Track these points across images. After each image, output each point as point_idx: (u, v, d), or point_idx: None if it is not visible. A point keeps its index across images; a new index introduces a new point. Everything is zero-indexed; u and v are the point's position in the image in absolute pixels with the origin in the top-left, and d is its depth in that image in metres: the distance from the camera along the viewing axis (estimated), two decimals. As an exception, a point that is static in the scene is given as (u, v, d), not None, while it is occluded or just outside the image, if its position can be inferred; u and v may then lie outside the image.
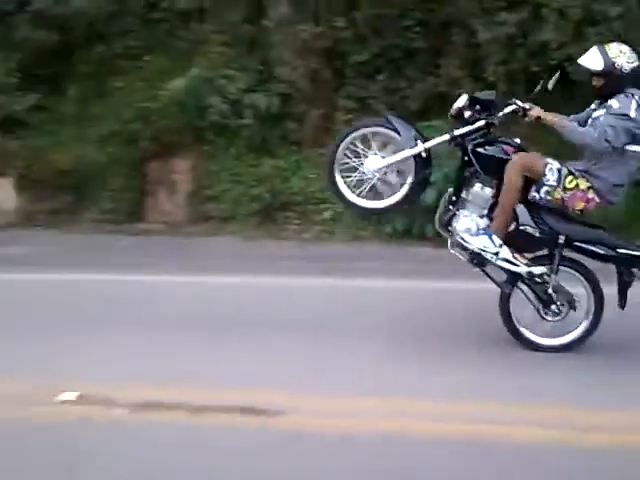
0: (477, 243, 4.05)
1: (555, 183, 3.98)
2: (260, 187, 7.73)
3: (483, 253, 4.04)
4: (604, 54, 3.90)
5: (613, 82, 3.90)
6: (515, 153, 4.08)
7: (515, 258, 4.05)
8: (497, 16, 7.00)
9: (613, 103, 3.89)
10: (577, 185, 3.98)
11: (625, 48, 3.96)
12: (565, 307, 4.13)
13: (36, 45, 8.35)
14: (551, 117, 4.03)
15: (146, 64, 8.49)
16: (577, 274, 4.15)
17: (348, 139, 4.22)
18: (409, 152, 4.09)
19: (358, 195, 4.27)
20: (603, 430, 3.18)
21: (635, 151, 3.92)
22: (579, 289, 4.14)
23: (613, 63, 3.87)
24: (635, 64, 3.91)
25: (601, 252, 3.99)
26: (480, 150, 4.08)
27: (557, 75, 4.21)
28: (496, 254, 4.04)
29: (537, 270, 4.06)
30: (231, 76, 7.91)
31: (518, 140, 4.19)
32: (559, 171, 4.01)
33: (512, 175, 3.98)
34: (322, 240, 7.41)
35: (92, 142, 8.18)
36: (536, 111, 4.02)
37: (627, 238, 4.17)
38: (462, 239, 4.09)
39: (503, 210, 4.03)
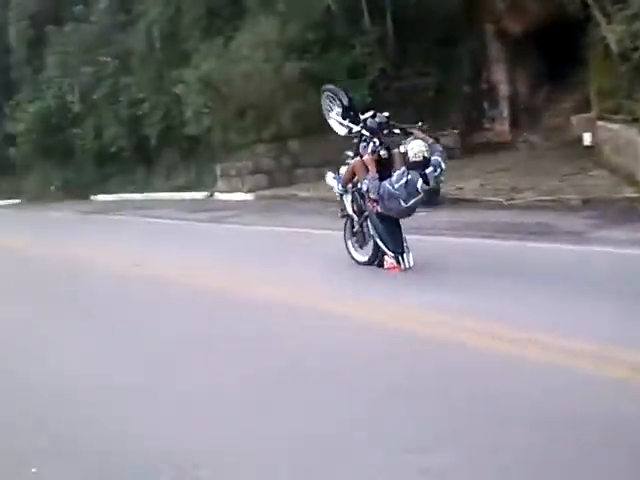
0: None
1: (365, 189, 6.99)
2: None
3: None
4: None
5: None
6: (355, 158, 7.38)
7: (347, 206, 7.59)
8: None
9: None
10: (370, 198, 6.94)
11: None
12: (365, 239, 7.33)
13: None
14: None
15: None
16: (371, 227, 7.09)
17: None
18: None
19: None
20: None
21: None
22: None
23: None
24: None
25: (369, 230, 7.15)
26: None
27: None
28: (340, 195, 7.72)
29: (354, 216, 7.45)
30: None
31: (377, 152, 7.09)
32: (367, 186, 6.91)
33: (348, 167, 7.49)
34: None
35: None
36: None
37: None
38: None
39: (344, 177, 7.55)
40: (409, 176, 6.62)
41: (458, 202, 11.49)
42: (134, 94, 21.72)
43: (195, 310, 6.35)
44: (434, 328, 4.86)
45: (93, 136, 23.60)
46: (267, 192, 16.44)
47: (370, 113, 7.47)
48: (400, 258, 6.76)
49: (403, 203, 6.67)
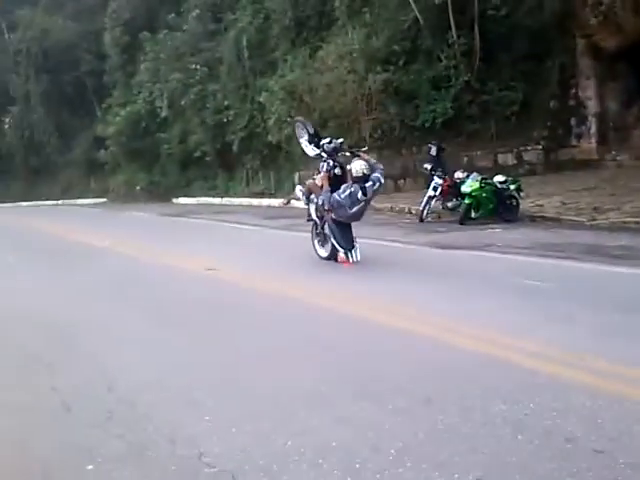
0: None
1: (320, 202, 8.74)
2: None
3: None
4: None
5: None
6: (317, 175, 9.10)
7: (312, 213, 9.22)
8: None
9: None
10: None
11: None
12: (326, 239, 8.87)
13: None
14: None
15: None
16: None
17: None
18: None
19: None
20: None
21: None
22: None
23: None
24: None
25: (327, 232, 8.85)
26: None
27: None
28: (307, 204, 9.37)
29: (317, 221, 9.06)
30: None
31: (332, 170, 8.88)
32: (321, 200, 8.65)
33: (309, 183, 9.31)
34: None
35: None
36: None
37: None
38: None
39: (306, 191, 9.33)
40: (352, 188, 8.43)
41: (537, 220, 11.14)
42: (220, 101, 22.23)
43: (277, 319, 6.37)
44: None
45: (178, 141, 24.30)
46: (343, 202, 16.42)
47: (327, 139, 9.27)
48: (349, 254, 8.58)
49: (349, 210, 8.53)
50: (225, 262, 9.50)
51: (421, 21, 17.40)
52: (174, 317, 6.74)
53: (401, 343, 5.14)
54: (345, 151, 9.32)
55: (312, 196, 9.14)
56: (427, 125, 17.13)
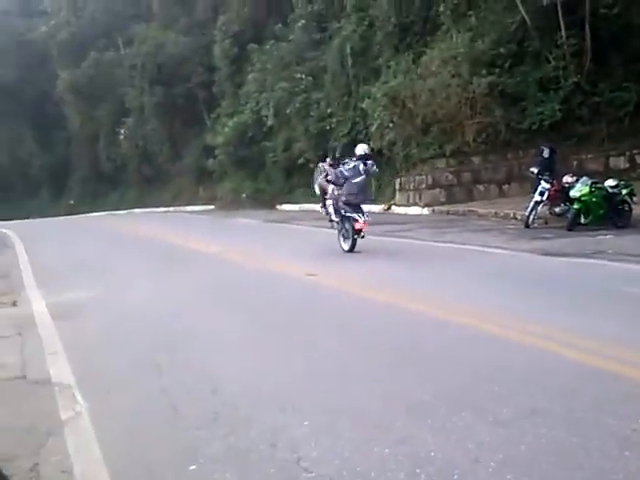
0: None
1: (330, 178, 11.45)
2: None
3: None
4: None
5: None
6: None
7: (331, 213, 11.79)
8: None
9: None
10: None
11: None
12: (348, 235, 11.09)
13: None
14: None
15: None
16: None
17: None
18: None
19: None
20: None
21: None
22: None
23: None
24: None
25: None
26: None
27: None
28: (327, 212, 12.20)
29: (338, 219, 11.31)
30: None
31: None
32: (331, 176, 11.46)
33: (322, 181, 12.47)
34: None
35: None
36: None
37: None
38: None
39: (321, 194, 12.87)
40: (355, 163, 11.16)
41: None
42: (323, 109, 22.51)
43: (376, 324, 6.40)
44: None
45: (283, 149, 24.79)
46: (444, 207, 16.20)
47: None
48: (360, 217, 11.13)
49: (352, 180, 10.89)
50: (324, 268, 9.59)
51: (528, 22, 16.91)
52: (276, 322, 6.88)
53: (503, 353, 5.01)
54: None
55: (327, 202, 12.16)
56: (534, 128, 16.60)
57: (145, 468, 3.81)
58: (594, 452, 3.34)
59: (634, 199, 11.48)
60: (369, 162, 11.18)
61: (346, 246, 11.12)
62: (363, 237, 10.96)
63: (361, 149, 11.64)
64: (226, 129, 27.34)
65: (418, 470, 3.35)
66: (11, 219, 37.17)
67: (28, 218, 39.50)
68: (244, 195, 26.85)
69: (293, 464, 3.59)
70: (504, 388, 4.28)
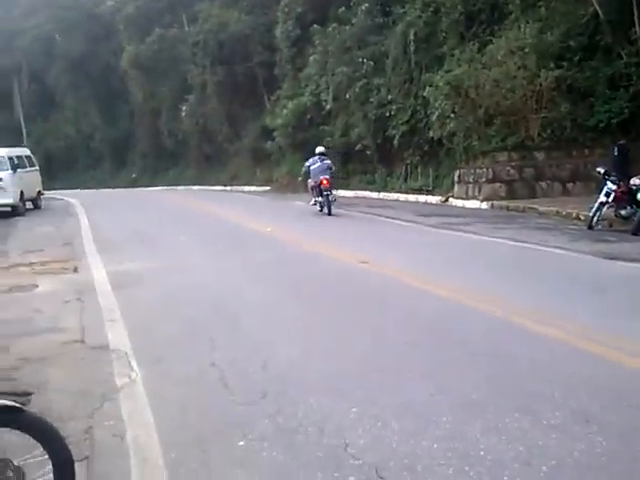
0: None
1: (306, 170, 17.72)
2: None
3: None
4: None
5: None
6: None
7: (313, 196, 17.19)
8: None
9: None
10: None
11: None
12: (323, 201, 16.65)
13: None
14: None
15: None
16: None
17: None
18: None
19: None
20: None
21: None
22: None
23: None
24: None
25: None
26: None
27: None
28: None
29: (317, 199, 17.16)
30: None
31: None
32: (306, 169, 17.73)
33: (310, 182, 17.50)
34: None
35: None
36: None
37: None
38: None
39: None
40: (315, 158, 16.97)
41: None
42: (383, 95, 22.28)
43: (434, 320, 6.36)
44: None
45: (340, 134, 24.67)
46: (504, 202, 15.89)
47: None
48: (323, 208, 16.24)
49: (320, 174, 16.42)
50: (376, 256, 9.54)
51: (601, 15, 16.33)
52: (327, 305, 6.90)
53: (560, 357, 4.90)
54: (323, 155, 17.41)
55: (312, 184, 17.03)
56: (601, 126, 16.10)
57: (194, 439, 3.88)
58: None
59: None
60: (328, 161, 17.32)
61: (326, 210, 16.15)
62: (334, 200, 16.35)
63: (319, 150, 17.68)
64: (285, 111, 27.37)
65: (467, 468, 3.31)
66: (74, 189, 38.29)
67: (90, 189, 40.59)
68: (300, 178, 26.92)
69: (340, 450, 3.60)
70: (560, 393, 4.18)
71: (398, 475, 3.29)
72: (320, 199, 16.42)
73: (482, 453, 3.45)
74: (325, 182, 16.15)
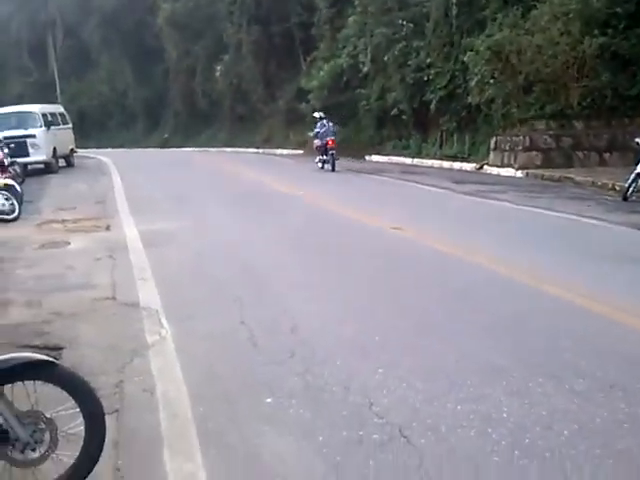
0: None
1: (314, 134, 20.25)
2: None
3: None
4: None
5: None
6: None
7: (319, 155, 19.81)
8: None
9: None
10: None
11: None
12: (327, 159, 19.34)
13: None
14: None
15: None
16: None
17: None
18: None
19: None
20: None
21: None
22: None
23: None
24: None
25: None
26: None
27: None
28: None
29: (322, 158, 19.74)
30: None
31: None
32: (315, 133, 20.38)
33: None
34: None
35: None
36: None
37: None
38: None
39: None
40: (321, 122, 19.61)
41: None
42: (422, 59, 21.89)
43: (460, 286, 6.37)
44: None
45: (376, 97, 24.38)
46: (540, 171, 15.63)
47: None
48: (324, 165, 18.89)
49: (325, 136, 18.99)
50: (409, 222, 9.51)
51: (651, -20, 15.80)
52: (356, 269, 6.92)
53: (587, 326, 4.88)
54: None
55: (318, 143, 19.48)
56: (643, 95, 15.69)
57: (223, 394, 3.98)
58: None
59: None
60: (331, 124, 19.73)
61: (329, 167, 18.64)
62: (338, 159, 18.71)
63: (320, 114, 20.59)
64: (321, 73, 27.08)
65: (489, 430, 3.35)
66: (106, 148, 38.65)
67: (122, 148, 40.90)
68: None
69: (365, 408, 3.66)
70: (586, 361, 4.17)
71: (421, 435, 3.34)
72: (325, 157, 18.98)
73: (505, 416, 3.48)
74: (331, 142, 18.71)
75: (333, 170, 18.39)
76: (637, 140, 12.03)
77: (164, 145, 41.76)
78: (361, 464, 3.12)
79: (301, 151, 28.64)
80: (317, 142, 19.61)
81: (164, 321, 5.34)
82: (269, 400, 3.84)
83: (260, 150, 32.23)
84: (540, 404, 3.60)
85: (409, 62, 22.31)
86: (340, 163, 18.77)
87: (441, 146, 21.38)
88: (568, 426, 3.34)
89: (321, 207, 11.59)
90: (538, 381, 3.89)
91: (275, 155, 29.02)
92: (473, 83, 18.17)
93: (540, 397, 3.69)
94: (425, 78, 21.32)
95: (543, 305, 5.43)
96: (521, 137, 16.67)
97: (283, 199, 13.10)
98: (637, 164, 11.57)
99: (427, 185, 14.45)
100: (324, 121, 19.77)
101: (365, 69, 24.79)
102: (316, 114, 20.87)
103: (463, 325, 5.00)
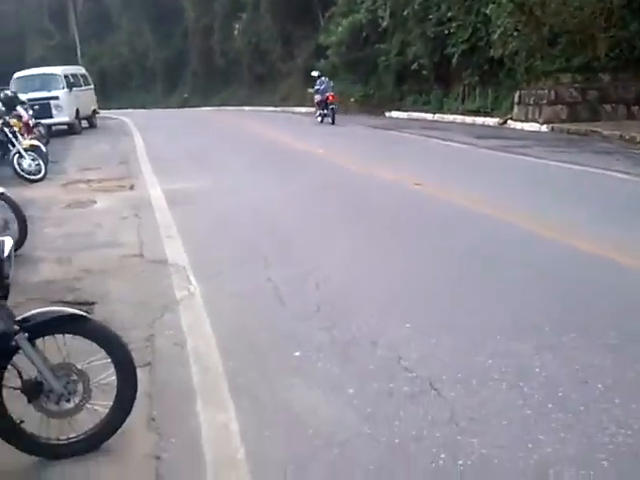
0: None
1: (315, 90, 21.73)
2: None
3: None
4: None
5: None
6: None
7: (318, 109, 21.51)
8: None
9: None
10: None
11: None
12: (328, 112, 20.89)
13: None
14: None
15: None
16: None
17: None
18: None
19: None
20: None
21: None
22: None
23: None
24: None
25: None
26: None
27: None
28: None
29: (322, 112, 21.25)
30: None
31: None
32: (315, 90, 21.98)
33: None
34: None
35: None
36: None
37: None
38: None
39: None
40: (320, 80, 21.27)
41: None
42: (443, 12, 21.37)
43: (480, 243, 6.31)
44: None
45: (396, 52, 23.95)
46: (565, 125, 15.33)
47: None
48: (323, 118, 20.55)
49: (325, 92, 20.39)
50: (430, 177, 9.40)
51: None
52: (379, 227, 6.88)
53: (622, 282, 4.81)
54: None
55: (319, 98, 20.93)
56: (673, 46, 15.24)
57: (251, 348, 4.01)
58: None
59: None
60: (329, 80, 21.45)
61: (329, 120, 20.06)
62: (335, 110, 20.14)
63: (317, 73, 22.25)
64: (340, 28, 26.59)
65: (521, 383, 3.33)
66: (127, 109, 38.60)
67: (143, 108, 40.83)
68: (353, 99, 26.38)
69: (393, 362, 3.66)
70: (620, 316, 4.12)
71: (452, 387, 3.34)
72: (325, 111, 20.47)
73: (537, 370, 3.46)
74: (331, 98, 20.34)
75: (333, 123, 19.83)
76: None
77: (184, 105, 41.65)
78: (392, 415, 3.13)
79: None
80: (318, 97, 21.11)
81: (192, 277, 5.37)
82: (297, 354, 3.86)
83: (278, 108, 31.98)
84: (573, 358, 3.57)
85: (430, 16, 21.80)
86: (359, 119, 18.62)
87: (463, 101, 21.02)
88: (602, 379, 3.31)
89: (340, 164, 11.50)
90: (571, 336, 3.84)
91: (293, 113, 28.78)
92: (496, 36, 17.75)
93: (573, 352, 3.65)
94: (446, 32, 20.85)
95: (574, 261, 5.36)
96: (546, 91, 16.31)
97: (302, 157, 13.01)
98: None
99: (449, 141, 14.26)
100: (323, 78, 21.51)
101: (384, 24, 24.30)
102: (314, 73, 22.49)
103: (494, 282, 4.95)
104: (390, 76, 25.12)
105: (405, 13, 22.83)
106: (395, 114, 23.32)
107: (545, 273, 5.06)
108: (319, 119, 20.90)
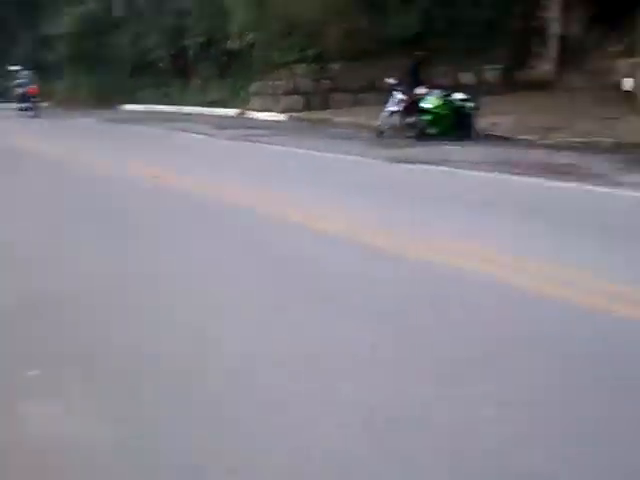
0: None
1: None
2: None
3: None
4: None
5: None
6: None
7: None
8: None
9: None
10: None
11: None
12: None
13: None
14: None
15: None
16: None
17: None
18: None
19: None
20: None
21: None
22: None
23: None
24: None
25: None
26: None
27: None
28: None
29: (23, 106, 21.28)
30: None
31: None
32: None
33: None
34: None
35: None
36: None
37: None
38: None
39: None
40: (26, 76, 21.13)
41: (491, 138, 11.34)
42: (180, 3, 21.03)
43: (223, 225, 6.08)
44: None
45: (130, 44, 23.07)
46: (301, 114, 15.95)
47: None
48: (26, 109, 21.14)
49: (27, 86, 20.25)
50: (167, 169, 9.02)
51: None
52: (125, 227, 6.34)
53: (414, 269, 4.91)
54: None
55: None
56: (394, 39, 16.47)
57: None
58: None
59: (477, 112, 11.93)
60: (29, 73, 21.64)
61: (31, 113, 20.54)
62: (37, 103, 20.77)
63: (15, 67, 22.10)
64: (67, 18, 24.92)
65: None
66: None
67: None
68: (83, 93, 24.94)
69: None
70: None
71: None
72: (27, 104, 20.89)
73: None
74: (32, 91, 20.82)
75: (35, 116, 20.35)
76: (387, 80, 12.76)
77: None
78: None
79: (45, 104, 26.32)
80: (19, 90, 21.35)
81: None
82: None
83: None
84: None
85: (165, 7, 21.34)
86: (91, 113, 17.53)
87: (203, 93, 20.93)
88: None
89: (67, 160, 10.56)
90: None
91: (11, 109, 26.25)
92: (233, 29, 17.88)
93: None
94: (184, 24, 20.57)
95: (296, 237, 5.40)
96: (283, 81, 16.82)
97: (35, 158, 11.81)
98: (388, 103, 12.31)
99: (188, 132, 14.01)
100: (24, 72, 21.80)
101: (117, 13, 23.30)
102: (12, 67, 23.02)
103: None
104: (124, 68, 24.14)
105: (140, 2, 22.09)
106: (130, 107, 22.52)
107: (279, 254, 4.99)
108: (24, 112, 20.95)
